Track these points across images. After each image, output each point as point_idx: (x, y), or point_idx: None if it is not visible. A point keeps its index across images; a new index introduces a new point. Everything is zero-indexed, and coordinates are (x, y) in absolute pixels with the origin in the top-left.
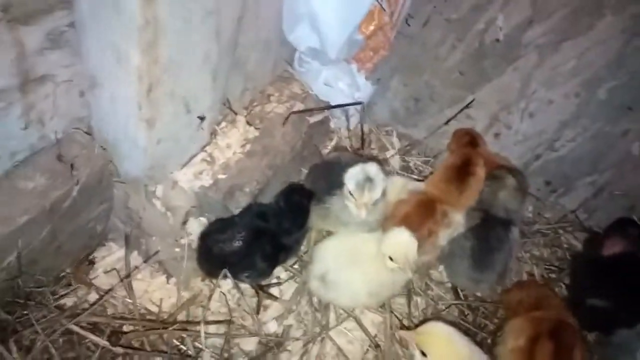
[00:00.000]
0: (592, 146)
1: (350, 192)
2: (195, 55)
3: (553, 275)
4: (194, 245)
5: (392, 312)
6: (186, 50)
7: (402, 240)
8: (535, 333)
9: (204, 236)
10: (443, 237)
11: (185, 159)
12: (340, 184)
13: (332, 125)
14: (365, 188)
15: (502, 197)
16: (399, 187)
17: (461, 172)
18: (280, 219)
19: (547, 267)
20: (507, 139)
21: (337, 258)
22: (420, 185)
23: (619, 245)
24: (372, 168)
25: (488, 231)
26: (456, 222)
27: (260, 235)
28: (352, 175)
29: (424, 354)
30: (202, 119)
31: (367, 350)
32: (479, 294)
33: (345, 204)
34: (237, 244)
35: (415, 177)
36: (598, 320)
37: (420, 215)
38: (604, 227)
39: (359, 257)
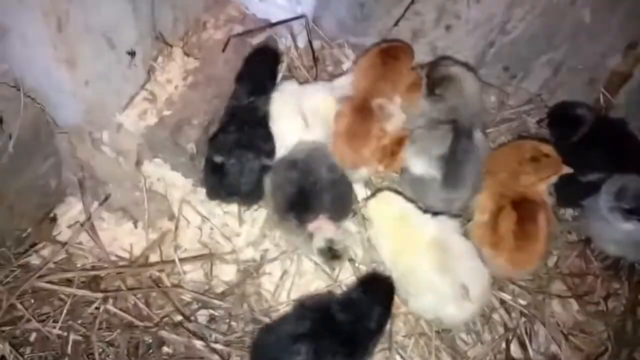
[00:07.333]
0: (543, 22)
1: None
2: None
3: None
4: (154, 187)
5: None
6: None
7: None
8: (497, 208)
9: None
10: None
11: (125, 100)
12: None
13: (280, 46)
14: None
15: (467, 96)
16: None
17: (385, 62)
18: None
19: None
20: (459, 30)
21: None
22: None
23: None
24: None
25: (455, 145)
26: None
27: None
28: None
29: None
30: (132, 54)
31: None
32: None
33: None
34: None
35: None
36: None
37: (362, 121)
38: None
39: None
